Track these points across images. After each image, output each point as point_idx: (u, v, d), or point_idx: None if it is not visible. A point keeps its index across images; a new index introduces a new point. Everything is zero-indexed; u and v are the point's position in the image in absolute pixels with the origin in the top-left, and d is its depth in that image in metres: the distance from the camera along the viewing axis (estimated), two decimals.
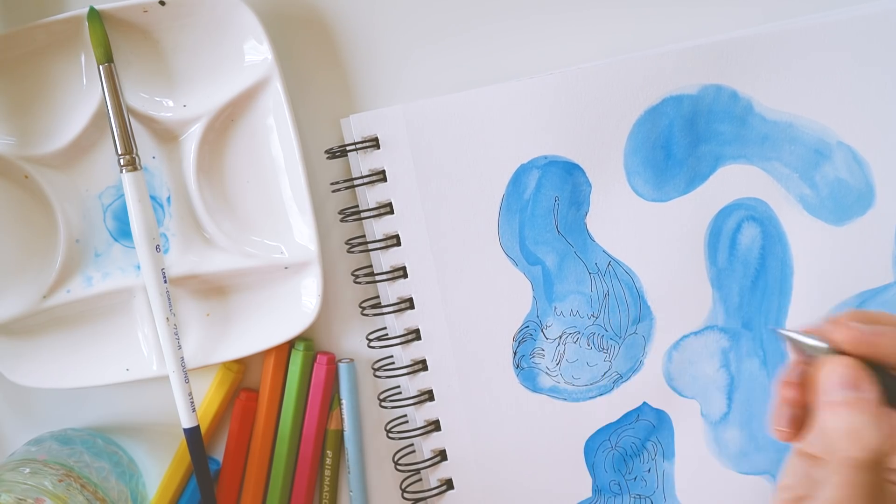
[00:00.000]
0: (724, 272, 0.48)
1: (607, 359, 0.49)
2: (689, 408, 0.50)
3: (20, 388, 0.48)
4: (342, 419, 0.50)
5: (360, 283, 0.48)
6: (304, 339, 0.50)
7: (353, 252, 0.48)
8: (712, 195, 0.47)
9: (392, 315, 0.48)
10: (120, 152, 0.45)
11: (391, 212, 0.47)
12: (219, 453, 0.51)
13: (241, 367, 0.50)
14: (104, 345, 0.49)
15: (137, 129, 0.47)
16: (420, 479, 0.51)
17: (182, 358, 0.47)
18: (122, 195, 0.47)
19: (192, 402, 0.47)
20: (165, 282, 0.47)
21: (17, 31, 0.45)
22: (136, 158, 0.46)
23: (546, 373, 0.49)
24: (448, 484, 0.50)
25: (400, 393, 0.50)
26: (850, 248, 0.48)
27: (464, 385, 0.49)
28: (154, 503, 0.50)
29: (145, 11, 0.45)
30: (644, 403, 0.49)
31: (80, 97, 0.46)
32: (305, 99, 0.48)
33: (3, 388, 0.49)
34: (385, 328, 0.49)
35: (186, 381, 0.47)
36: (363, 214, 0.47)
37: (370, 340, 0.49)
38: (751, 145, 0.47)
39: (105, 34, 0.45)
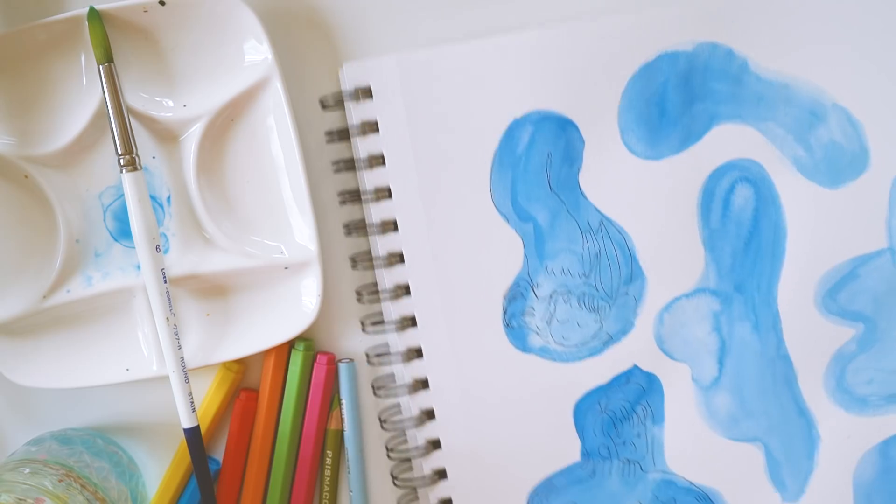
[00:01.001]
0: (717, 233, 0.48)
1: (598, 319, 0.48)
2: (679, 371, 0.49)
3: (20, 388, 0.48)
4: (342, 419, 0.50)
5: (351, 236, 0.48)
6: (304, 339, 0.50)
7: (344, 204, 0.48)
8: (706, 155, 0.47)
9: (382, 270, 0.48)
10: (120, 152, 0.45)
11: (383, 163, 0.47)
12: (219, 453, 0.51)
13: (241, 367, 0.50)
14: (104, 345, 0.48)
15: (137, 129, 0.47)
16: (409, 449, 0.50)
17: (182, 358, 0.47)
18: (122, 195, 0.47)
19: (192, 402, 0.47)
20: (165, 282, 0.47)
21: (17, 30, 0.45)
22: (136, 158, 0.46)
23: (536, 332, 0.48)
24: (435, 444, 0.49)
25: (388, 351, 0.49)
26: (844, 212, 0.48)
27: (453, 342, 0.48)
28: (154, 503, 0.50)
29: (145, 11, 0.45)
30: (634, 366, 0.49)
31: (80, 97, 0.46)
32: (305, 99, 0.48)
33: (3, 388, 0.49)
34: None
35: (186, 381, 0.47)
36: (357, 166, 0.47)
37: (360, 295, 0.48)
38: (746, 105, 0.47)
39: (105, 34, 0.45)
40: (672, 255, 0.48)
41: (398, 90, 0.46)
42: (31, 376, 0.48)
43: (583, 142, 0.47)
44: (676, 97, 0.47)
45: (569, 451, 0.50)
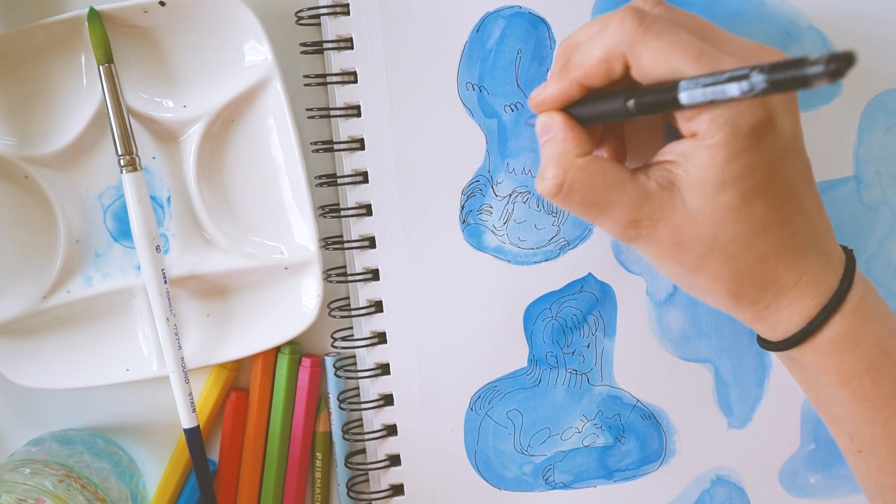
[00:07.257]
0: None
1: (556, 223, 0.48)
2: (634, 284, 0.48)
3: (20, 389, 0.48)
4: (330, 421, 0.50)
5: (315, 118, 0.48)
6: (291, 342, 0.49)
7: (309, 86, 0.47)
8: None
9: (343, 154, 0.47)
10: (120, 153, 0.46)
11: (351, 47, 0.46)
12: (214, 452, 0.50)
13: (237, 366, 0.50)
14: (104, 345, 0.49)
15: (137, 129, 0.47)
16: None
17: (182, 358, 0.47)
18: (123, 195, 0.47)
19: (193, 403, 0.47)
20: (165, 282, 0.47)
21: (17, 31, 0.45)
22: (136, 159, 0.46)
23: (492, 231, 0.48)
24: (381, 337, 0.48)
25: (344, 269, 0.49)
26: (813, 136, 0.46)
27: (407, 233, 0.47)
28: (153, 502, 0.50)
29: (145, 12, 0.45)
30: (589, 274, 0.48)
31: (80, 97, 0.46)
32: (305, 99, 0.48)
33: (3, 388, 0.49)
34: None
35: (186, 381, 0.47)
36: (325, 46, 0.46)
37: (319, 179, 0.48)
38: (720, 18, 0.46)
39: (105, 34, 0.45)
40: None
41: None
42: (31, 377, 0.48)
43: (554, 41, 0.46)
44: None
45: (516, 356, 0.49)
